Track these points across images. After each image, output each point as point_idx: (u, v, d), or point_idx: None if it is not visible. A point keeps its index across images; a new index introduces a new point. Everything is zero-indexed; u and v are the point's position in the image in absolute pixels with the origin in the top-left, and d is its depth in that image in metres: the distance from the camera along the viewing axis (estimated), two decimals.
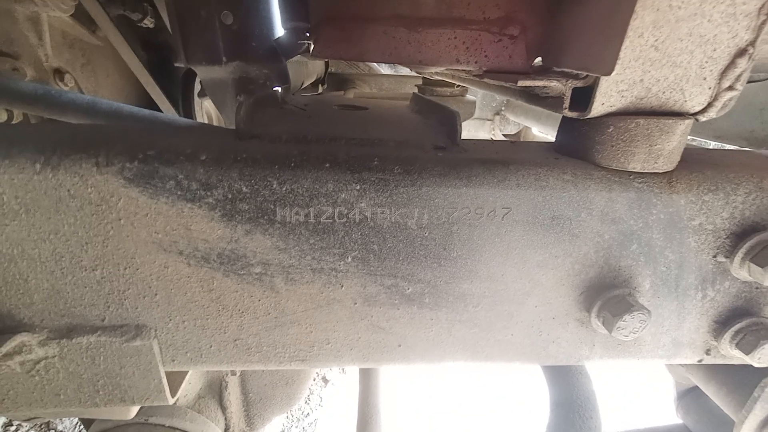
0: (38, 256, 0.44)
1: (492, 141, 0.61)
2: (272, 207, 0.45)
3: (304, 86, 1.46)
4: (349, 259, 0.48)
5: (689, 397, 0.92)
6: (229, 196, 0.45)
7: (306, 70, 1.34)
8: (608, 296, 0.52)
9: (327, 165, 0.45)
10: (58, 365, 0.50)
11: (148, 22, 1.31)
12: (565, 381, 0.66)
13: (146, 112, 0.71)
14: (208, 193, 0.44)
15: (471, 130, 2.07)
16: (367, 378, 1.24)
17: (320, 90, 1.74)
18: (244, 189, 0.44)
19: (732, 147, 1.08)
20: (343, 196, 0.45)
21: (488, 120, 2.08)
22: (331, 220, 0.46)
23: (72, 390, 0.53)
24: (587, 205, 0.47)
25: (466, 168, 0.46)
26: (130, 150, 0.43)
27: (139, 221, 0.45)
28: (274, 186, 0.45)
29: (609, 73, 0.39)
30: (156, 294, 0.49)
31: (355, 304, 0.51)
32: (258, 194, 0.45)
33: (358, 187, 0.45)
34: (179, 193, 0.44)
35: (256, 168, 0.44)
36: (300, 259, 0.48)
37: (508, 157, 0.49)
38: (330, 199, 0.45)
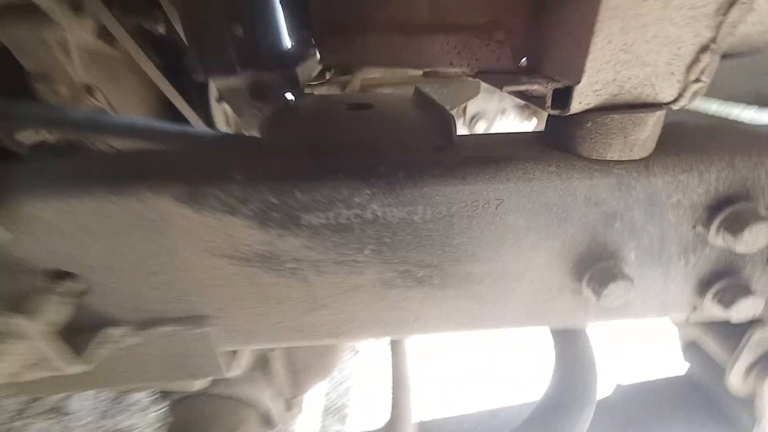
0: (118, 267, 0.55)
1: (485, 136, 0.66)
2: (298, 213, 0.54)
3: (314, 74, 1.51)
4: (367, 252, 0.57)
5: (695, 346, 0.99)
6: (262, 207, 0.53)
7: (314, 61, 1.39)
8: (596, 268, 0.58)
9: (341, 175, 0.53)
10: (140, 351, 0.62)
11: (161, 29, 1.37)
12: (566, 340, 0.74)
13: (177, 128, 0.80)
14: (245, 206, 0.53)
15: (481, 103, 2.08)
16: (396, 346, 1.37)
17: (327, 76, 1.78)
18: (274, 200, 0.53)
19: (739, 107, 1.08)
20: (357, 200, 0.53)
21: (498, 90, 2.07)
22: (348, 221, 0.54)
23: (151, 369, 0.66)
24: (572, 192, 0.54)
25: (461, 168, 0.53)
26: (179, 176, 0.52)
27: (192, 233, 0.54)
28: (298, 196, 0.53)
29: (578, 82, 0.44)
30: (210, 291, 0.59)
31: (375, 288, 0.60)
32: (285, 204, 0.53)
33: (368, 192, 0.53)
34: (221, 207, 0.53)
35: (282, 182, 0.52)
36: (325, 254, 0.57)
37: (499, 155, 0.55)
38: (346, 203, 0.53)
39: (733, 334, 0.73)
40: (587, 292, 0.60)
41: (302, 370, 1.19)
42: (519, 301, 0.63)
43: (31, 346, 0.53)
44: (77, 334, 0.57)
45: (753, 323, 0.69)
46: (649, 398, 0.98)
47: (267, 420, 1.09)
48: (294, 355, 1.14)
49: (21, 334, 0.51)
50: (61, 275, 0.56)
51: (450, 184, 0.53)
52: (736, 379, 0.74)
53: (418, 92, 0.82)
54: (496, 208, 0.54)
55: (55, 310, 0.53)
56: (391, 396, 1.10)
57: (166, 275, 0.57)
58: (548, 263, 0.60)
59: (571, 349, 0.72)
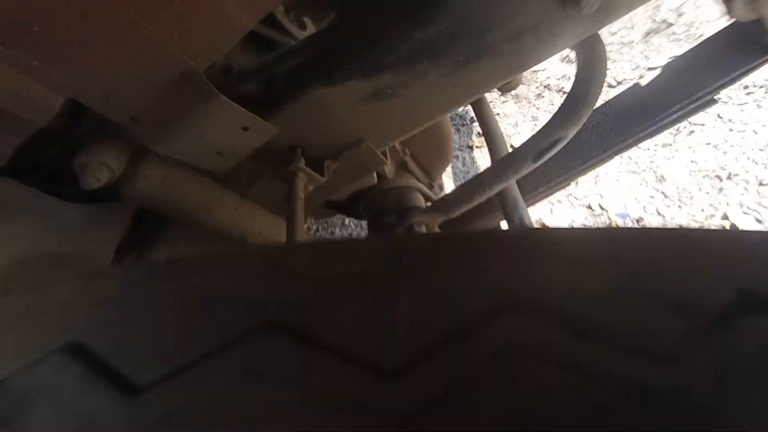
0: (315, 130, 1.10)
1: None
2: (379, 62, 0.95)
3: None
4: (424, 63, 0.95)
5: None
6: (361, 70, 0.96)
7: None
8: None
9: (391, 30, 0.90)
10: (341, 167, 1.22)
11: None
12: (583, 48, 1.03)
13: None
14: (354, 74, 0.97)
15: None
16: (479, 105, 1.78)
17: None
18: (365, 64, 0.95)
19: None
20: (405, 37, 0.91)
21: None
22: (407, 51, 0.93)
23: (349, 174, 1.27)
24: None
25: None
26: (326, 73, 0.98)
27: (340, 97, 1.02)
28: (374, 54, 0.93)
29: None
30: (360, 124, 1.10)
31: (440, 78, 0.99)
32: (371, 60, 0.95)
33: (411, 28, 0.89)
34: (347, 80, 0.98)
35: (364, 51, 0.93)
36: (404, 75, 0.97)
37: None
38: (400, 41, 0.91)
39: None
40: (572, 11, 0.88)
41: (429, 163, 1.77)
42: (532, 43, 0.95)
43: (302, 177, 1.15)
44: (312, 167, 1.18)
45: None
46: (698, 58, 1.19)
47: (424, 195, 1.74)
48: (418, 155, 1.70)
49: (297, 171, 1.13)
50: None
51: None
52: (740, 11, 0.92)
53: None
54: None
55: (298, 161, 1.13)
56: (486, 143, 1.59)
57: (333, 126, 1.09)
58: (537, 4, 0.88)
59: (585, 51, 1.01)
